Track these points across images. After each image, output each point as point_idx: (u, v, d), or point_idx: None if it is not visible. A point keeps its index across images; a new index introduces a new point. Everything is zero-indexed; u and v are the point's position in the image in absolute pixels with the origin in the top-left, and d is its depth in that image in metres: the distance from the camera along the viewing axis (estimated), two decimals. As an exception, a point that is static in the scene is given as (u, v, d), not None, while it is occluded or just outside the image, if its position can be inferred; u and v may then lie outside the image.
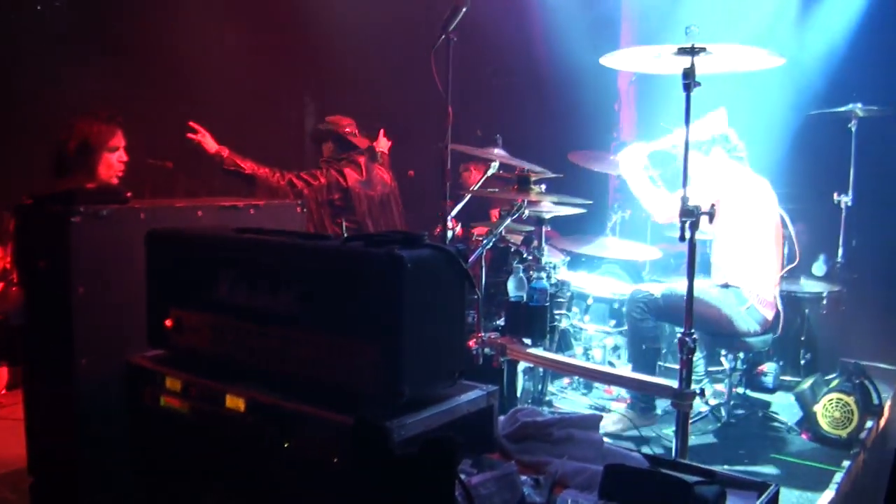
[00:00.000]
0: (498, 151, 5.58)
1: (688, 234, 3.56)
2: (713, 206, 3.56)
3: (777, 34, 7.55)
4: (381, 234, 2.60)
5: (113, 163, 4.37)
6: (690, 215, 3.54)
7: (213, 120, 6.45)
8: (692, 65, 3.61)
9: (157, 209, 3.50)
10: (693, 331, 3.59)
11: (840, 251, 6.45)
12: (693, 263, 3.59)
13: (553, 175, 5.09)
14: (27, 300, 3.44)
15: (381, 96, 9.99)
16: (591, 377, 4.61)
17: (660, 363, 5.38)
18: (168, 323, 3.06)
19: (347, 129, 6.53)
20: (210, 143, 5.91)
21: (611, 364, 5.36)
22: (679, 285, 5.19)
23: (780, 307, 5.06)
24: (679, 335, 3.60)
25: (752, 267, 4.96)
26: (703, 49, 3.66)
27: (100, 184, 4.27)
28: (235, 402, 2.70)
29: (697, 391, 3.61)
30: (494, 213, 8.36)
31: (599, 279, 5.94)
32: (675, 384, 3.65)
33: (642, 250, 6.15)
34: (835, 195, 6.50)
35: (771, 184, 5.26)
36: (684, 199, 3.56)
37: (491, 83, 9.53)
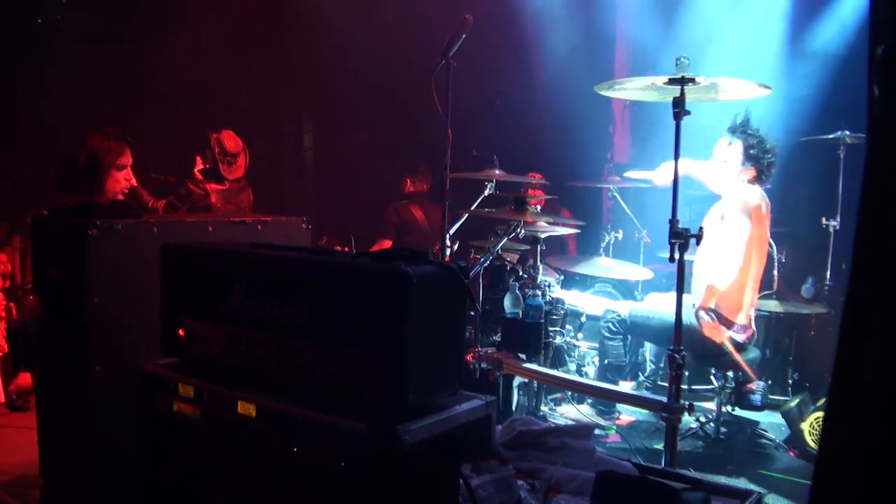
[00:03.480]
0: (496, 172, 5.74)
1: (677, 256, 3.70)
2: (701, 228, 3.71)
3: (767, 61, 7.74)
4: (389, 252, 2.74)
5: (120, 180, 4.50)
6: (680, 237, 3.68)
7: (213, 130, 6.67)
8: (682, 94, 3.76)
9: (169, 224, 3.64)
10: (682, 347, 3.74)
11: (828, 274, 6.59)
12: (682, 284, 3.74)
13: (549, 197, 5.24)
14: (43, 308, 3.57)
15: (377, 112, 10.18)
16: (585, 392, 4.76)
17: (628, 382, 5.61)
18: (181, 332, 3.21)
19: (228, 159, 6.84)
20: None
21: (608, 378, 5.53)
22: (643, 305, 5.40)
23: (753, 328, 5.18)
24: (668, 351, 3.75)
25: (727, 290, 5.04)
26: (693, 80, 3.82)
27: (107, 200, 4.40)
28: (247, 408, 2.83)
29: (686, 405, 3.75)
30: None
31: (593, 298, 6.09)
32: (664, 399, 3.78)
33: (634, 270, 6.31)
34: (823, 219, 6.64)
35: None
36: (673, 222, 3.70)
37: (487, 103, 9.69)
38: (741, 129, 5.20)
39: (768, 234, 5.27)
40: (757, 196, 5.08)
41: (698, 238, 3.70)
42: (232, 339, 3.02)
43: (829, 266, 6.61)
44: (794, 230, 6.75)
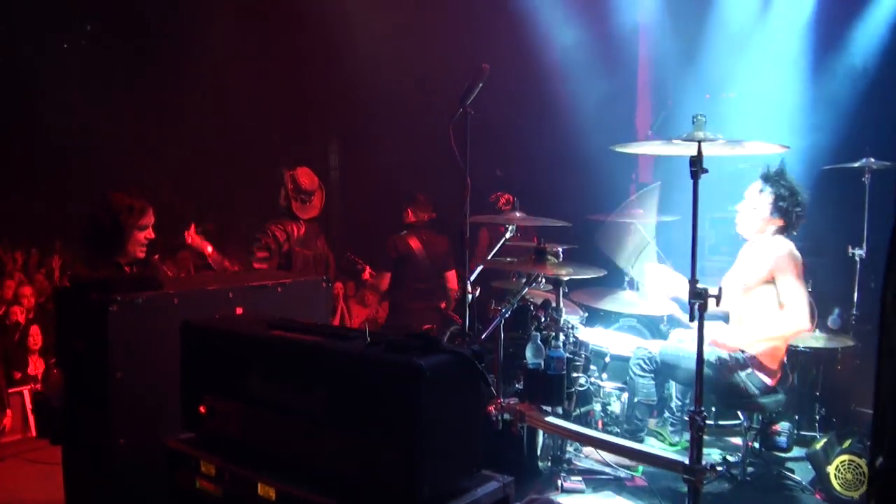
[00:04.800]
0: (517, 215, 5.75)
1: (696, 315, 3.70)
2: (720, 288, 3.69)
3: (790, 87, 7.71)
4: (402, 338, 2.75)
5: (141, 239, 4.55)
6: (699, 297, 3.67)
7: (241, 150, 6.57)
8: (699, 153, 3.74)
9: (189, 294, 3.68)
10: (703, 408, 3.72)
11: (855, 304, 6.52)
12: (702, 343, 3.72)
13: (568, 246, 5.24)
14: (67, 382, 3.62)
15: (401, 138, 10.25)
16: (607, 449, 4.73)
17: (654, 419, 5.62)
18: (202, 409, 3.25)
19: (303, 196, 6.54)
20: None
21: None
22: (674, 345, 5.40)
23: (786, 370, 5.17)
24: (689, 412, 3.74)
25: (756, 335, 5.06)
26: (710, 138, 3.80)
27: (129, 259, 4.45)
28: (267, 491, 2.88)
29: (708, 466, 3.74)
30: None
31: (616, 335, 6.07)
32: (685, 459, 3.77)
33: (659, 305, 6.26)
34: (849, 248, 6.58)
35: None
36: (692, 282, 3.70)
37: (510, 124, 9.69)
38: (774, 179, 5.19)
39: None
40: (793, 248, 5.09)
41: (718, 299, 3.68)
42: (251, 419, 3.06)
43: (855, 296, 6.54)
44: (820, 260, 6.68)
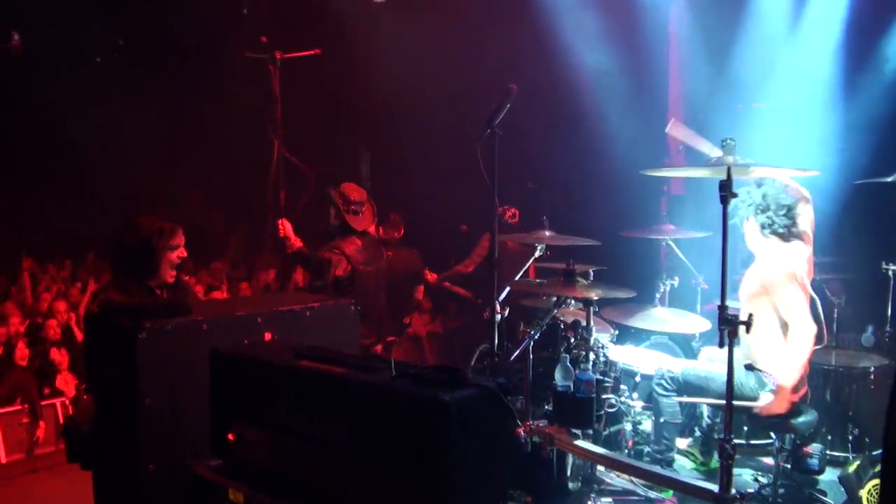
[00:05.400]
0: (546, 234, 5.73)
1: (726, 342, 3.67)
2: (750, 315, 3.66)
3: (822, 99, 7.63)
4: (428, 372, 2.76)
5: (174, 259, 4.56)
6: (729, 324, 3.64)
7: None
8: (729, 178, 3.71)
9: (218, 320, 3.69)
10: (732, 436, 3.69)
11: (889, 321, 6.43)
12: (732, 371, 3.69)
13: (597, 268, 5.22)
14: (96, 407, 3.65)
15: (432, 142, 10.27)
16: (635, 474, 4.70)
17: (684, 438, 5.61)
18: (230, 437, 3.27)
19: (353, 207, 6.28)
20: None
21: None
22: (699, 365, 5.35)
23: (807, 386, 5.10)
24: (718, 439, 3.71)
25: (776, 354, 4.97)
26: (740, 163, 3.77)
27: (161, 282, 4.47)
28: (294, 521, 2.89)
29: (738, 495, 3.71)
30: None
31: (647, 353, 6.02)
32: (715, 486, 3.74)
33: (691, 322, 6.20)
34: (883, 264, 6.48)
35: (817, 253, 5.31)
36: (722, 308, 3.66)
37: (539, 137, 9.66)
38: (749, 207, 5.14)
39: (809, 290, 5.14)
40: (789, 258, 5.00)
41: (748, 326, 3.65)
42: (279, 448, 3.08)
43: (889, 312, 6.45)
44: (853, 276, 6.62)
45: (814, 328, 4.88)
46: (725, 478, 3.66)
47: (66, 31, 11.44)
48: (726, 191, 3.72)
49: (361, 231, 6.26)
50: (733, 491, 3.69)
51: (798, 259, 5.02)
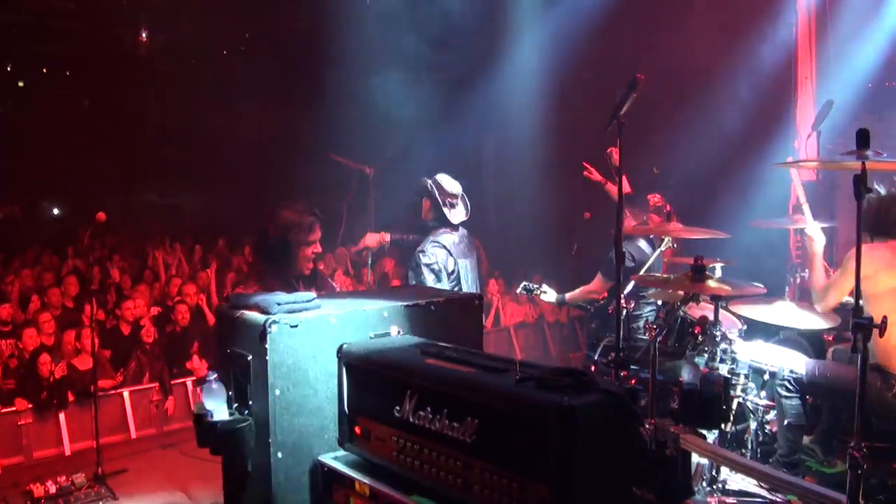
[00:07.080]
0: (673, 226, 5.61)
1: (860, 347, 3.51)
2: (885, 318, 3.50)
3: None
4: (553, 375, 2.74)
5: (309, 254, 4.64)
6: (862, 329, 3.49)
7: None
8: (864, 172, 3.52)
9: (346, 316, 3.73)
10: (864, 444, 3.54)
11: None
12: (864, 375, 3.54)
13: (726, 262, 5.11)
14: (227, 395, 3.75)
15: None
16: (761, 479, 4.57)
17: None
18: (357, 430, 3.34)
19: (450, 200, 5.94)
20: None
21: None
22: (824, 366, 5.16)
23: None
24: (850, 448, 3.56)
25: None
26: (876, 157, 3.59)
27: (297, 273, 4.57)
28: (418, 517, 2.93)
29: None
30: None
31: (776, 350, 5.85)
32: (842, 497, 3.60)
33: (819, 319, 5.99)
34: None
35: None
36: (857, 311, 3.51)
37: (667, 124, 9.47)
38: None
39: None
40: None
41: (882, 329, 3.50)
42: (404, 444, 3.13)
43: None
44: None
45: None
46: (854, 488, 3.52)
47: (198, 29, 11.79)
48: (861, 185, 3.53)
49: (457, 223, 5.99)
50: (862, 503, 3.54)
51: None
